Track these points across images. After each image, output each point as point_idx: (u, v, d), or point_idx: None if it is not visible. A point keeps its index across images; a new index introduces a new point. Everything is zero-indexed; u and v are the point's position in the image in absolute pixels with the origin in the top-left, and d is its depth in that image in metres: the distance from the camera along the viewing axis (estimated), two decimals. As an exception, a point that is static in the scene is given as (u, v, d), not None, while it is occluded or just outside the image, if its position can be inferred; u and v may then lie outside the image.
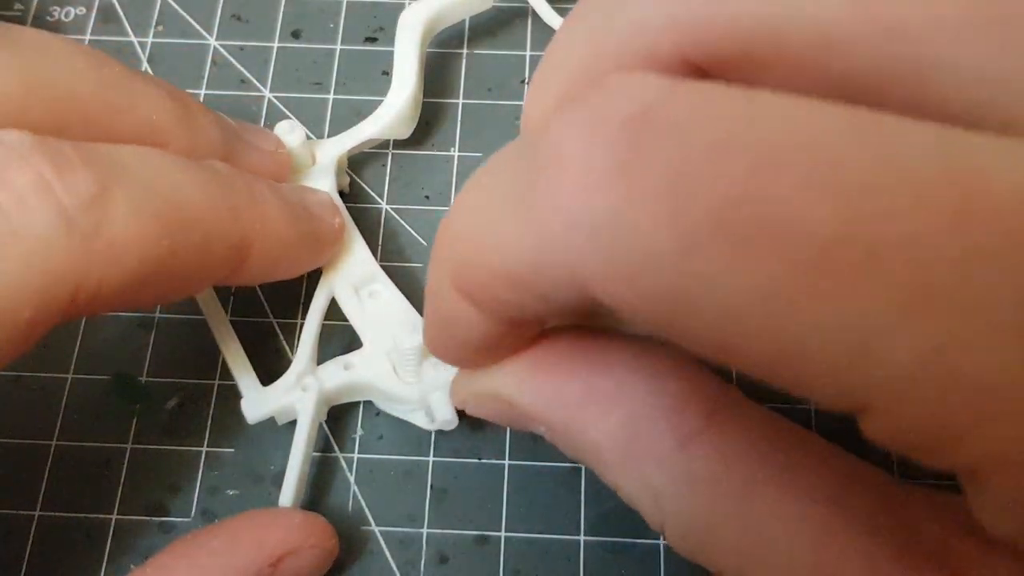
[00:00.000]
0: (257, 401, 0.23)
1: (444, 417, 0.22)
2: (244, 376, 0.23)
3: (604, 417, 0.18)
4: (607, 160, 0.12)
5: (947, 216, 0.11)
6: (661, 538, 0.23)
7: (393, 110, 0.26)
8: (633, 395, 0.18)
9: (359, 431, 0.24)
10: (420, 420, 0.24)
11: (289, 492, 0.22)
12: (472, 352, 0.18)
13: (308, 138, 0.26)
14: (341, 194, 0.26)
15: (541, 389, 0.19)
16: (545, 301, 0.15)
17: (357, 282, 0.24)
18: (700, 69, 0.16)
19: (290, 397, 0.23)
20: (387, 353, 0.23)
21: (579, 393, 0.18)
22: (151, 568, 0.20)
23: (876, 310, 0.11)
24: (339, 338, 0.25)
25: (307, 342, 0.23)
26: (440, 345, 0.19)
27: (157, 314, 0.26)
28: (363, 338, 0.24)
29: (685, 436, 0.17)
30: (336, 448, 0.24)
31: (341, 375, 0.23)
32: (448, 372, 0.22)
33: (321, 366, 0.23)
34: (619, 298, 0.13)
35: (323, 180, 0.25)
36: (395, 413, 0.24)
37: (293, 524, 0.21)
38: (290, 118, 0.28)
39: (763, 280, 0.11)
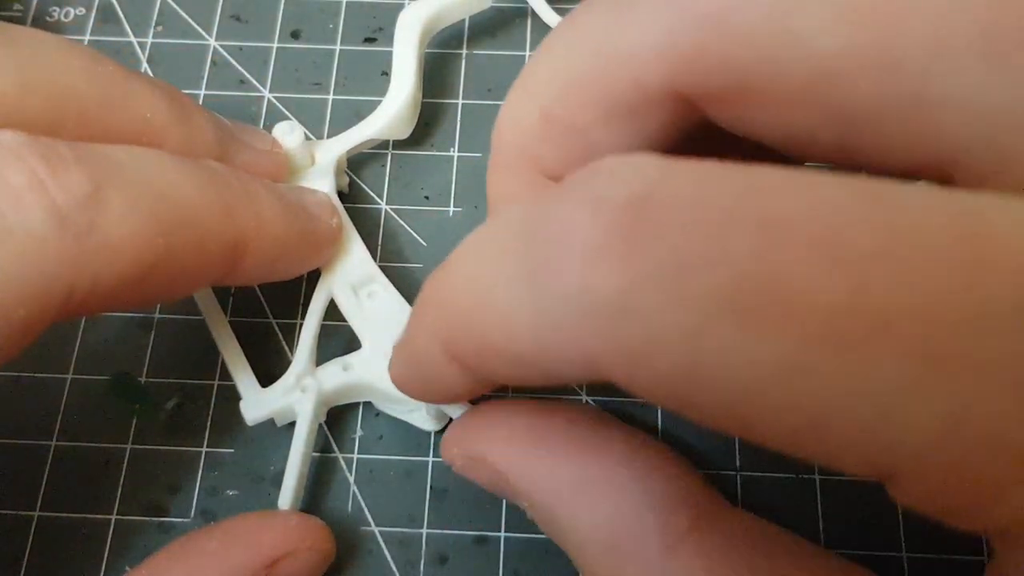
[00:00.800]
0: (256, 402, 0.23)
1: (458, 413, 0.22)
2: (243, 377, 0.23)
3: (592, 509, 0.18)
4: (612, 243, 0.12)
5: (958, 278, 0.11)
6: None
7: (392, 110, 0.26)
8: (622, 489, 0.18)
9: (359, 431, 0.24)
10: (419, 420, 0.24)
11: (288, 493, 0.22)
12: (444, 400, 0.19)
13: (307, 138, 0.26)
14: (341, 195, 0.26)
15: (534, 468, 0.19)
16: (546, 376, 0.15)
17: (356, 282, 0.24)
18: (690, 102, 0.16)
19: (289, 398, 0.23)
20: (386, 354, 0.23)
21: (570, 479, 0.18)
22: (147, 570, 0.20)
23: (894, 377, 0.11)
24: (339, 338, 0.25)
25: (306, 343, 0.23)
26: (412, 386, 0.19)
27: (156, 314, 0.26)
28: (362, 339, 0.23)
29: (672, 540, 0.17)
30: (336, 448, 0.24)
31: (340, 376, 0.23)
32: None
33: (320, 367, 0.23)
34: (630, 377, 0.13)
35: (322, 180, 0.25)
36: (394, 413, 0.24)
37: (290, 526, 0.21)
38: (289, 119, 0.28)
39: (775, 356, 0.11)
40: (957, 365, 0.11)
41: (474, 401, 0.22)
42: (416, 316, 0.18)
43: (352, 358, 0.23)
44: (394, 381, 0.20)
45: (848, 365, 0.11)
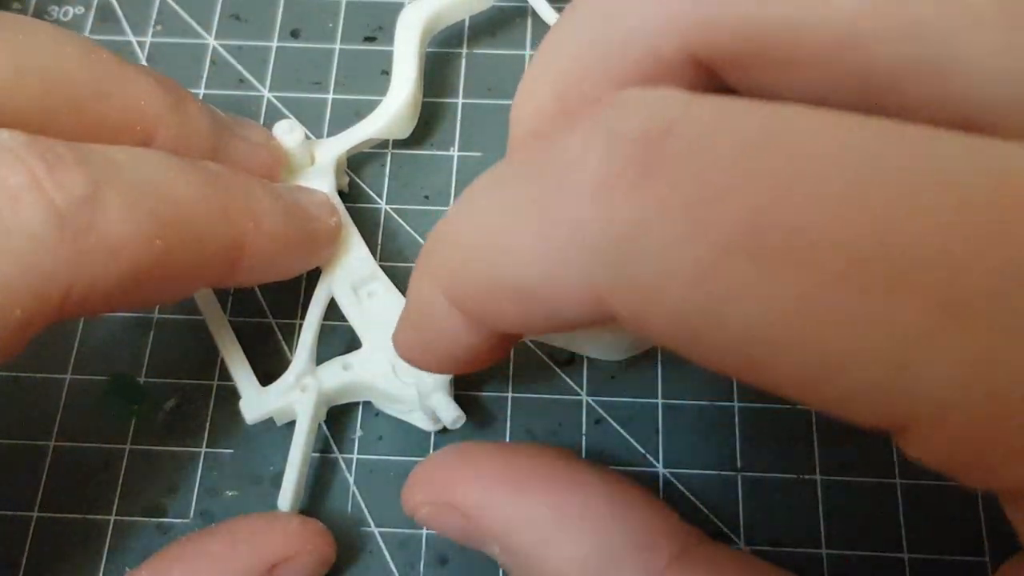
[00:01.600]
0: (256, 401, 0.23)
1: (451, 416, 0.22)
2: (243, 376, 0.23)
3: (570, 544, 0.17)
4: (628, 173, 0.12)
5: (988, 227, 0.10)
6: (661, 539, 0.23)
7: (392, 110, 0.26)
8: (601, 525, 0.17)
9: (358, 432, 0.24)
10: (419, 420, 0.23)
11: (288, 494, 0.22)
12: (447, 363, 0.18)
13: (307, 138, 0.26)
14: (341, 194, 0.26)
15: (505, 507, 0.18)
16: (553, 315, 0.14)
17: (356, 282, 0.24)
18: (709, 69, 0.16)
19: (289, 398, 0.23)
20: (386, 353, 0.23)
21: (546, 516, 0.18)
22: (146, 571, 0.20)
23: (915, 323, 0.10)
24: (339, 338, 0.25)
25: (306, 342, 0.23)
26: (415, 351, 0.18)
27: (155, 314, 0.26)
28: (362, 338, 0.23)
29: (655, 574, 0.17)
30: (335, 449, 0.24)
31: (340, 375, 0.23)
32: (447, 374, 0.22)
33: (320, 366, 0.23)
34: (640, 314, 0.12)
35: (322, 180, 0.25)
36: (394, 413, 0.24)
37: (291, 530, 0.21)
38: (289, 118, 0.28)
39: (792, 297, 0.11)
40: (982, 315, 0.10)
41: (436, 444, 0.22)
42: (419, 266, 0.17)
43: (352, 357, 0.23)
44: (396, 346, 0.19)
45: (868, 308, 0.10)
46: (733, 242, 0.11)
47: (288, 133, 0.25)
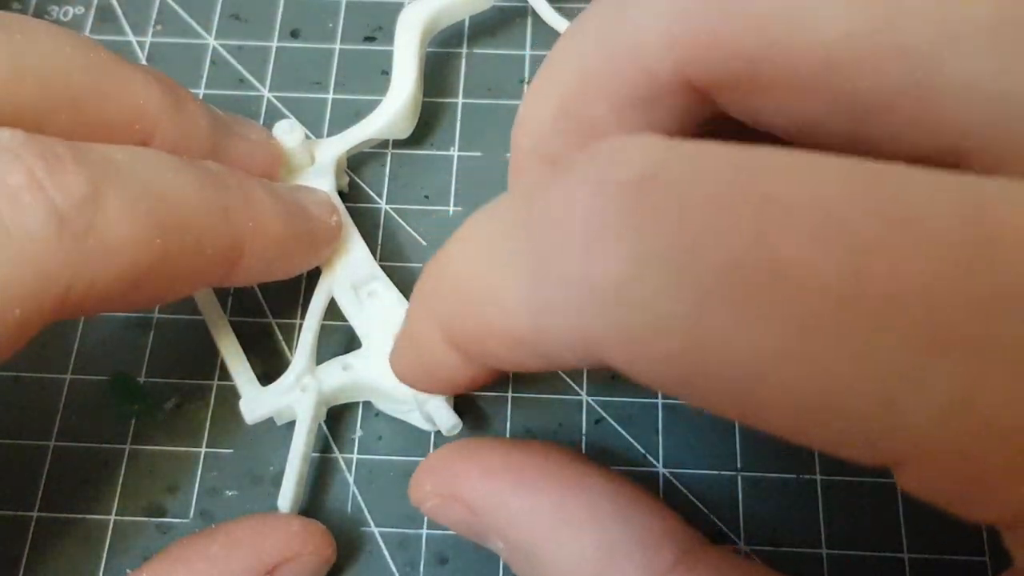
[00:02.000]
0: (255, 401, 0.23)
1: (447, 424, 0.22)
2: (242, 376, 0.23)
3: (575, 540, 0.17)
4: (611, 226, 0.12)
5: (962, 262, 0.10)
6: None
7: (392, 110, 0.26)
8: (605, 524, 0.17)
9: (358, 432, 0.24)
10: (418, 421, 0.23)
11: (288, 494, 0.22)
12: (445, 388, 0.18)
13: (307, 138, 0.26)
14: (341, 194, 0.26)
15: (511, 503, 0.18)
16: (546, 359, 0.15)
17: (356, 282, 0.24)
18: (701, 92, 0.16)
19: (289, 398, 0.23)
20: (386, 353, 0.23)
21: (551, 513, 0.18)
22: (147, 572, 0.20)
23: (896, 363, 0.10)
24: (339, 338, 0.25)
25: (306, 343, 0.23)
26: (413, 377, 0.19)
27: (155, 314, 0.26)
28: (362, 338, 0.23)
29: (659, 574, 0.17)
30: (335, 449, 0.24)
31: (340, 376, 0.23)
32: None
33: (320, 367, 0.23)
34: (631, 362, 0.13)
35: (322, 180, 0.25)
36: (393, 413, 0.24)
37: (291, 530, 0.21)
38: (289, 117, 0.28)
39: (774, 341, 0.11)
40: (961, 350, 0.10)
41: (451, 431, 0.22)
42: (415, 301, 0.18)
43: (352, 357, 0.23)
44: (395, 370, 0.20)
45: (849, 351, 0.11)
46: (717, 290, 0.11)
47: (288, 133, 0.25)
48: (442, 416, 0.22)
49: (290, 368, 0.23)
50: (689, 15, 0.15)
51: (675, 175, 0.12)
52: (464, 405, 0.23)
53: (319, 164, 0.26)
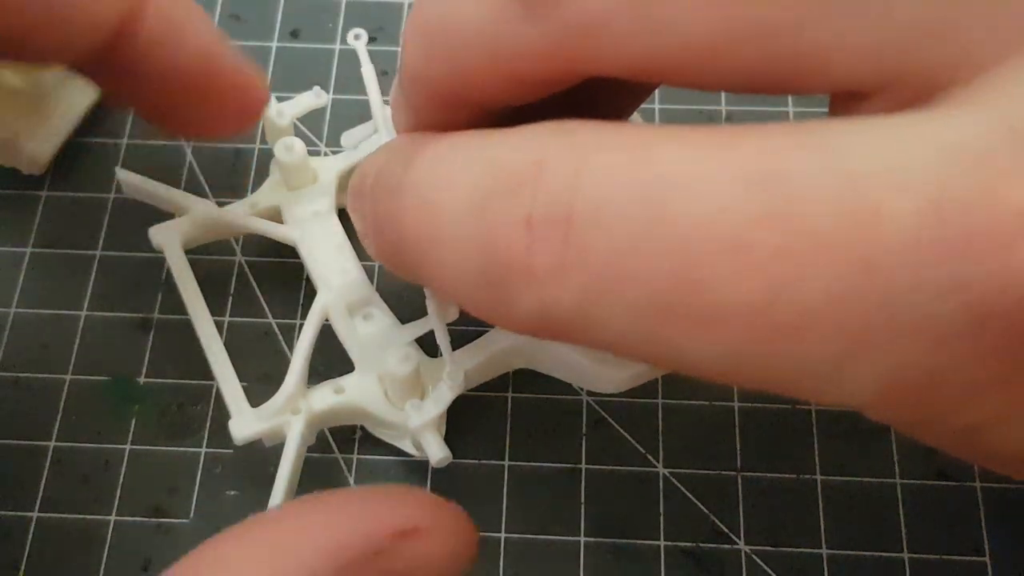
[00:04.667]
0: (245, 423, 0.22)
1: (437, 456, 0.22)
2: (233, 397, 0.23)
3: None
4: (553, 266, 0.14)
5: (855, 264, 0.12)
6: (661, 538, 0.23)
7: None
8: None
9: (358, 431, 0.24)
10: (409, 447, 0.23)
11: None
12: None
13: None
14: (341, 211, 0.25)
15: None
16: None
17: (352, 305, 0.24)
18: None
19: (279, 420, 0.22)
20: (379, 378, 0.23)
21: None
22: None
23: (828, 354, 0.12)
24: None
25: (297, 365, 0.23)
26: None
27: (155, 315, 0.26)
28: (355, 362, 0.23)
29: None
30: (335, 449, 0.24)
31: (331, 399, 0.23)
32: (438, 408, 0.22)
33: (311, 389, 0.23)
34: (611, 348, 0.14)
35: (323, 198, 0.25)
36: (385, 438, 0.24)
37: (416, 499, 0.17)
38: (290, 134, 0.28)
39: (719, 351, 0.13)
40: (880, 337, 0.12)
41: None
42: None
43: (344, 381, 0.23)
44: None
45: (785, 350, 0.12)
46: (656, 314, 0.13)
47: (288, 151, 0.25)
48: (432, 447, 0.22)
49: (280, 390, 0.22)
50: (553, 39, 0.15)
51: (592, 204, 0.13)
52: (464, 404, 0.23)
53: (322, 183, 0.25)
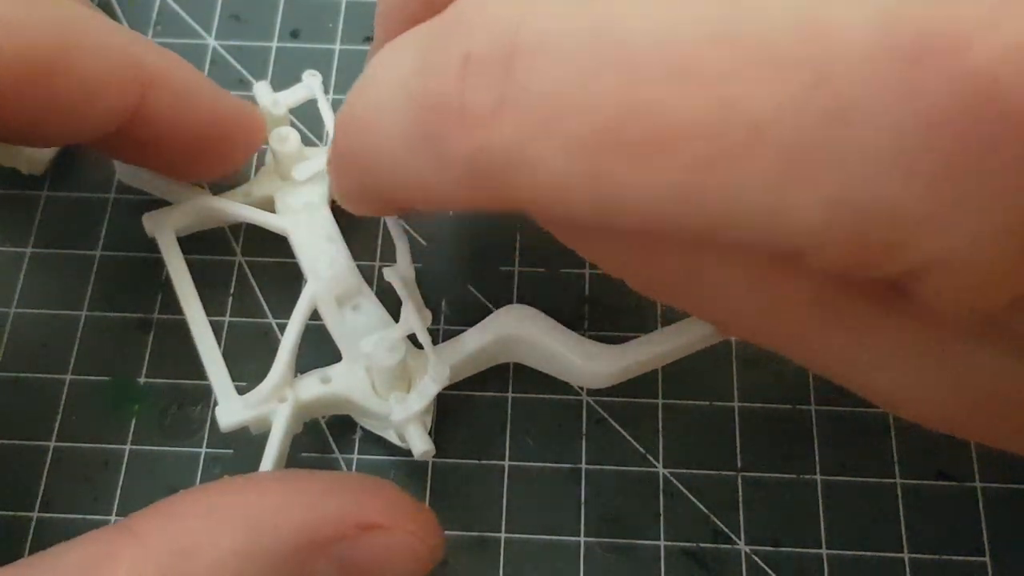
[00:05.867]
0: (231, 410, 0.22)
1: (420, 449, 0.22)
2: (220, 383, 0.23)
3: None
4: (489, 105, 0.13)
5: (806, 80, 0.11)
6: (661, 538, 0.23)
7: None
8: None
9: (358, 431, 0.24)
10: (395, 439, 0.23)
11: None
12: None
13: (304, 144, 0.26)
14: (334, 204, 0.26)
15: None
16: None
17: (341, 295, 0.24)
18: None
19: (264, 408, 0.22)
20: (366, 369, 0.23)
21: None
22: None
23: (774, 178, 0.12)
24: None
25: (284, 354, 0.23)
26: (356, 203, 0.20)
27: (155, 315, 0.26)
28: (343, 351, 0.23)
29: None
30: (336, 449, 0.24)
31: (318, 388, 0.23)
32: (421, 402, 0.22)
33: (298, 378, 0.23)
34: (541, 215, 0.14)
35: (316, 189, 0.25)
36: (371, 429, 0.24)
37: (393, 499, 0.18)
38: (288, 122, 0.28)
39: (668, 181, 0.12)
40: (827, 155, 0.11)
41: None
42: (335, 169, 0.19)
43: (331, 370, 0.23)
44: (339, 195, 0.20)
45: (732, 177, 0.12)
46: (602, 148, 0.12)
47: (282, 141, 0.25)
48: (416, 440, 0.22)
49: (267, 378, 0.23)
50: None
51: (536, 39, 0.13)
52: (464, 404, 0.23)
53: (315, 174, 0.25)
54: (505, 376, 0.25)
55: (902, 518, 0.23)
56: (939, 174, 0.11)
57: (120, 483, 0.24)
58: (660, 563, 0.23)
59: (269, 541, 0.16)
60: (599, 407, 0.25)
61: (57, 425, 0.24)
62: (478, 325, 0.23)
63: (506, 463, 0.24)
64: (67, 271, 0.26)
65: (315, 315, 0.24)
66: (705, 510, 0.23)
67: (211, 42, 0.30)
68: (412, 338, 0.23)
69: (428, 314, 0.23)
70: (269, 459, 0.22)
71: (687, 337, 0.23)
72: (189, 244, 0.25)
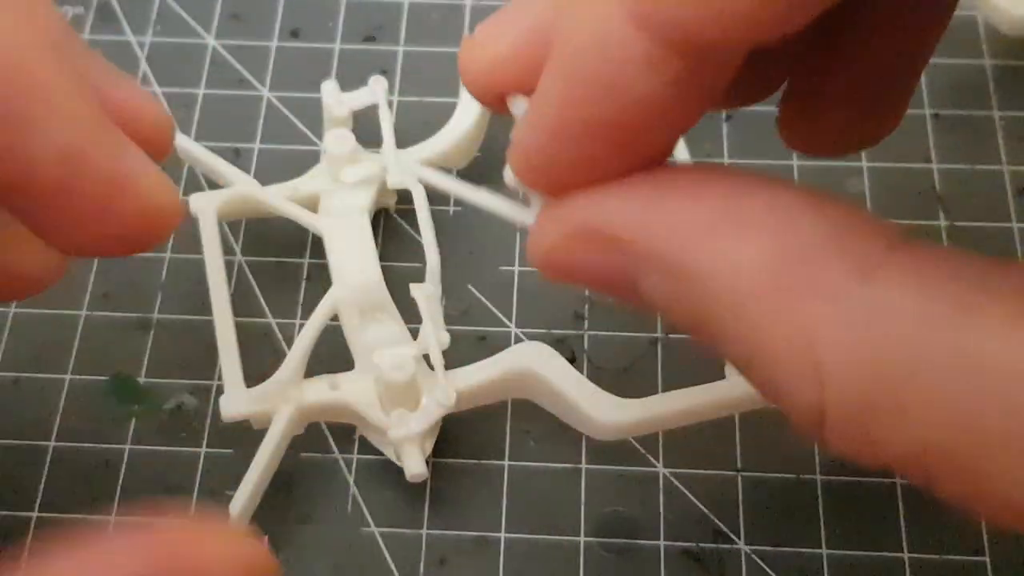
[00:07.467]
0: (235, 401, 0.22)
1: (412, 470, 0.22)
2: (231, 374, 0.23)
3: (753, 240, 0.14)
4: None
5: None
6: (661, 538, 0.23)
7: (453, 138, 0.26)
8: (791, 219, 0.14)
9: (358, 432, 0.24)
10: (392, 456, 0.23)
11: (242, 498, 0.22)
12: (611, 136, 0.15)
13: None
14: (384, 212, 0.26)
15: (664, 212, 0.15)
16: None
17: (365, 307, 0.23)
18: None
19: (268, 404, 0.22)
20: (376, 381, 0.23)
21: (712, 215, 0.15)
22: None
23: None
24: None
25: (297, 352, 0.23)
26: (571, 124, 0.15)
27: (155, 315, 0.26)
28: (356, 359, 0.23)
29: (868, 266, 0.14)
30: (335, 449, 0.24)
31: (324, 393, 0.23)
32: (422, 423, 0.22)
33: (307, 380, 0.23)
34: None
35: (363, 195, 0.25)
36: (373, 442, 0.24)
37: (153, 544, 0.15)
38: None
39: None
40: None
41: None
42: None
43: (340, 377, 0.23)
44: (533, 139, 0.16)
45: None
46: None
47: (338, 142, 0.25)
48: (411, 460, 0.22)
49: (276, 375, 0.22)
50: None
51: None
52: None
53: (365, 179, 0.25)
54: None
55: (902, 518, 0.23)
56: None
57: (120, 483, 0.24)
58: (660, 563, 0.23)
59: None
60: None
61: (57, 425, 0.24)
62: (493, 357, 0.23)
63: (506, 463, 0.24)
64: (67, 271, 0.26)
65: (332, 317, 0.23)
66: (705, 510, 0.23)
67: (211, 42, 0.30)
68: (428, 358, 0.23)
69: (446, 336, 0.22)
70: (261, 459, 0.22)
71: (706, 399, 0.22)
72: (189, 244, 0.25)
